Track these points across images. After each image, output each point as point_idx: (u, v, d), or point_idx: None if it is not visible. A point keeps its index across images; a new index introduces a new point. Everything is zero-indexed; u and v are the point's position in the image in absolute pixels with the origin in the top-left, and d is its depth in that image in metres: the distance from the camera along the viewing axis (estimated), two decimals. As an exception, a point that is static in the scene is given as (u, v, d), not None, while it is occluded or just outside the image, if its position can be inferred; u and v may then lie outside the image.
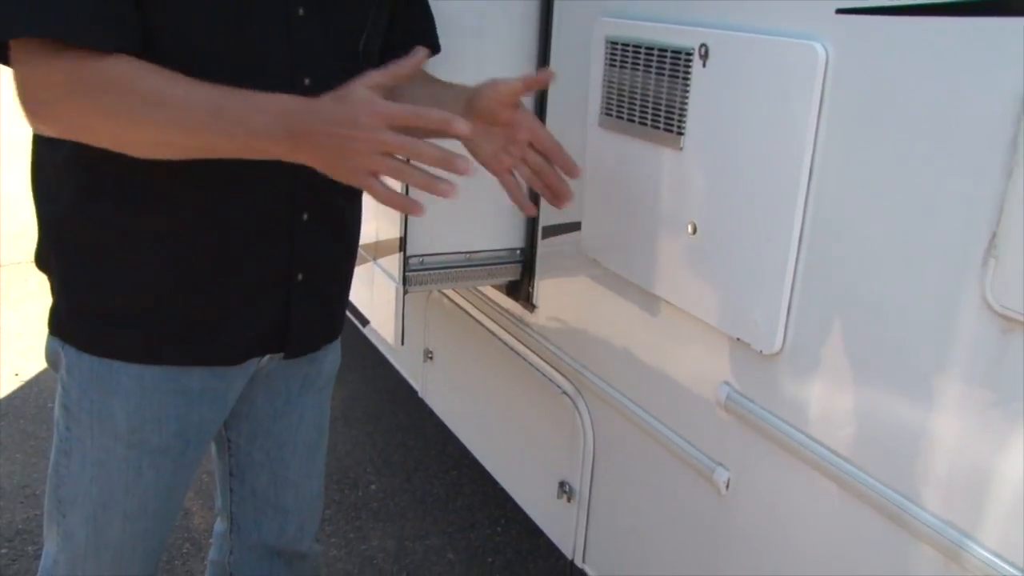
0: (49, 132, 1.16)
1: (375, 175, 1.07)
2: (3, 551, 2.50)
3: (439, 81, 1.45)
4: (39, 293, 4.22)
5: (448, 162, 1.05)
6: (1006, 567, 1.09)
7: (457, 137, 1.13)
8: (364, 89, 1.07)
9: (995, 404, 1.09)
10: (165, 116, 1.09)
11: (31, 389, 3.45)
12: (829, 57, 1.25)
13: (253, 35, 1.22)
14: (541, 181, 1.37)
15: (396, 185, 1.15)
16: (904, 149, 1.17)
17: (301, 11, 1.25)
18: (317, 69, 1.26)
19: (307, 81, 1.25)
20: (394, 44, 1.43)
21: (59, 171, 1.25)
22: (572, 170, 1.35)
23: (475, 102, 1.31)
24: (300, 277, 1.36)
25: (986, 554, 1.11)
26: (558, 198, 1.38)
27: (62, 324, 1.33)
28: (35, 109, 1.10)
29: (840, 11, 1.23)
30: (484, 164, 1.34)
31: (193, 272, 1.27)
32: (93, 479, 1.35)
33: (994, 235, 1.06)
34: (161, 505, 1.41)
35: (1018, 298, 1.04)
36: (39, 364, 3.60)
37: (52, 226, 1.30)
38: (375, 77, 1.09)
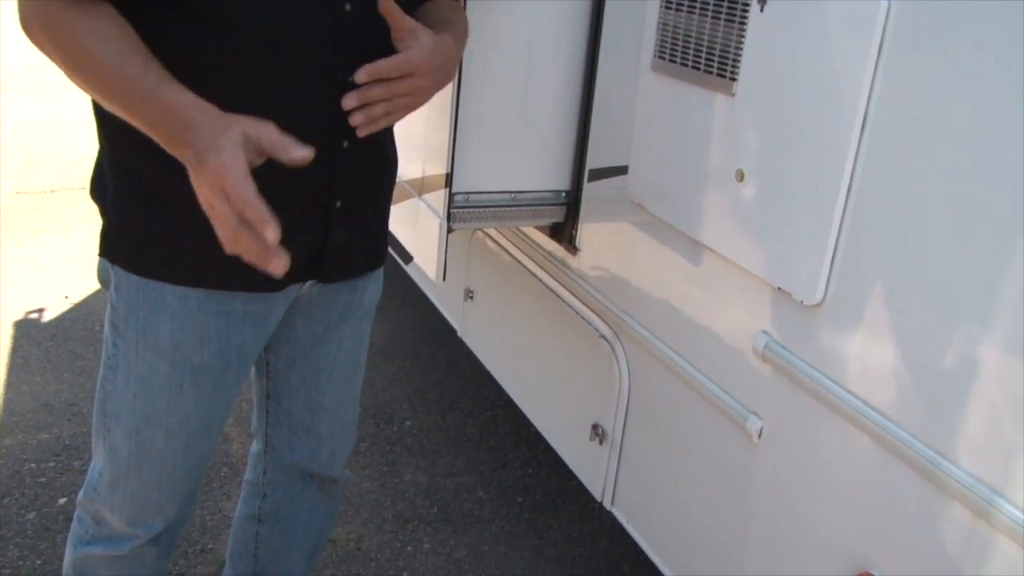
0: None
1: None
2: (51, 464, 2.59)
3: (445, 21, 1.40)
4: (90, 219, 4.31)
5: (260, 260, 1.09)
6: (1037, 525, 1.08)
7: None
8: (236, 140, 1.07)
9: (1038, 363, 1.08)
10: (91, 80, 1.14)
11: (80, 311, 3.53)
12: (891, 8, 1.22)
13: None
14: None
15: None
16: (960, 103, 1.14)
17: None
18: None
19: (347, 6, 1.26)
20: None
21: None
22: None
23: None
24: (339, 204, 1.37)
25: (1017, 513, 1.10)
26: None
27: (111, 245, 1.36)
28: (22, 26, 1.15)
29: (904, -42, 1.20)
30: None
31: None
32: (137, 395, 1.39)
33: (1050, 190, 1.04)
34: (202, 423, 1.45)
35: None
36: (88, 287, 3.69)
37: (107, 147, 1.33)
38: (257, 130, 1.09)
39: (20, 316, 3.46)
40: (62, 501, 2.44)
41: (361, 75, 1.23)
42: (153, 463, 1.45)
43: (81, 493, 1.53)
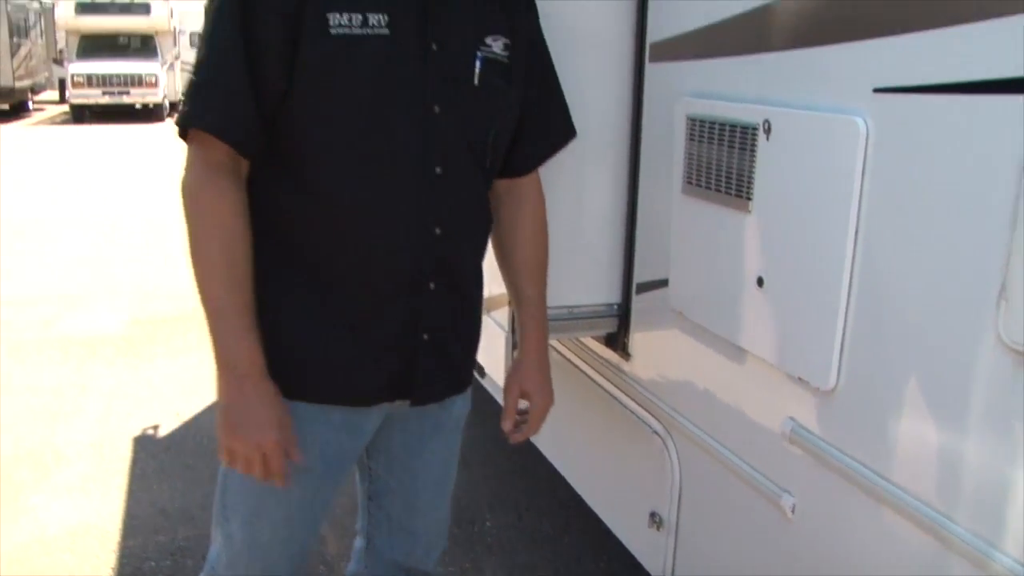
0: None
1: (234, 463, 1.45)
2: (167, 563, 2.86)
3: (529, 309, 1.80)
4: (195, 345, 4.70)
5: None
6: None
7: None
8: (278, 418, 1.44)
9: (1015, 430, 1.24)
10: (202, 279, 1.44)
11: (190, 427, 3.88)
12: (869, 129, 1.44)
13: (390, 129, 1.47)
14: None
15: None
16: (931, 207, 1.35)
17: (437, 108, 1.48)
18: (448, 158, 1.50)
19: (438, 170, 1.49)
20: (528, 136, 1.67)
21: None
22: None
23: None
24: (426, 336, 1.57)
25: (1011, 563, 1.25)
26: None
27: None
28: (181, 189, 1.45)
29: (876, 90, 1.43)
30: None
31: (332, 329, 1.52)
32: (251, 491, 1.60)
33: (1003, 281, 1.23)
34: (304, 517, 1.65)
35: (1025, 335, 1.20)
36: (196, 405, 4.04)
37: None
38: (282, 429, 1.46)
39: (138, 432, 3.82)
40: (176, 596, 2.69)
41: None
42: (262, 549, 1.65)
43: (203, 573, 1.76)
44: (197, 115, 1.42)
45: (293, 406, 1.54)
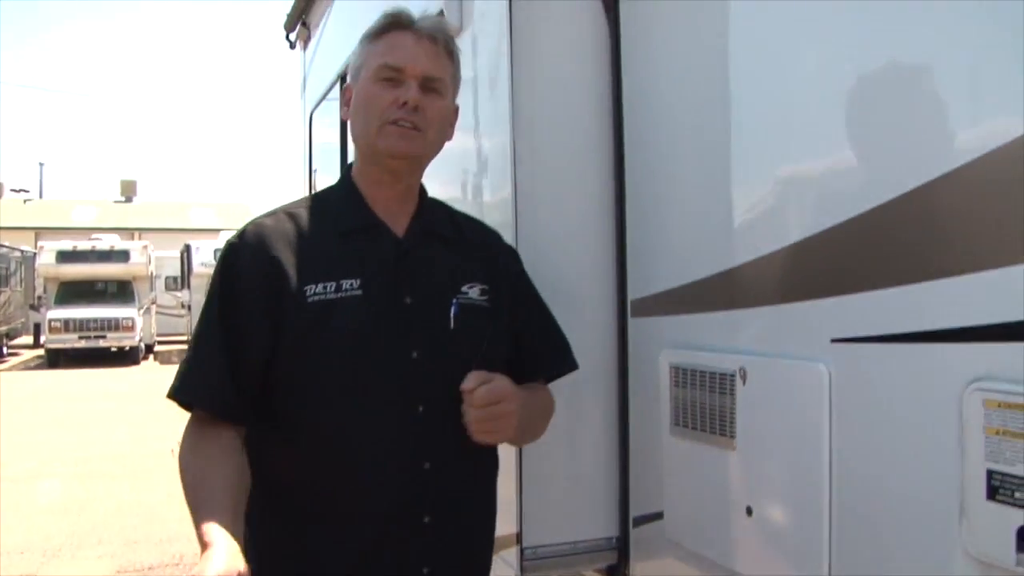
0: None
1: None
2: None
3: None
4: (186, 593, 4.65)
5: None
6: None
7: None
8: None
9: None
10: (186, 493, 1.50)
11: None
12: (832, 373, 1.67)
13: (370, 378, 1.58)
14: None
15: None
16: (892, 438, 1.55)
17: (415, 354, 1.61)
18: (430, 398, 1.60)
19: (420, 409, 1.60)
20: (530, 367, 1.80)
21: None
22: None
23: None
24: (426, 571, 1.62)
25: None
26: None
27: None
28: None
29: (833, 340, 1.67)
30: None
31: (335, 569, 1.59)
32: None
33: (961, 503, 1.43)
34: None
35: (987, 547, 1.38)
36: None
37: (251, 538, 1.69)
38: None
39: None
40: None
41: (469, 381, 1.56)
42: None
43: None
44: (177, 388, 1.61)
45: None
